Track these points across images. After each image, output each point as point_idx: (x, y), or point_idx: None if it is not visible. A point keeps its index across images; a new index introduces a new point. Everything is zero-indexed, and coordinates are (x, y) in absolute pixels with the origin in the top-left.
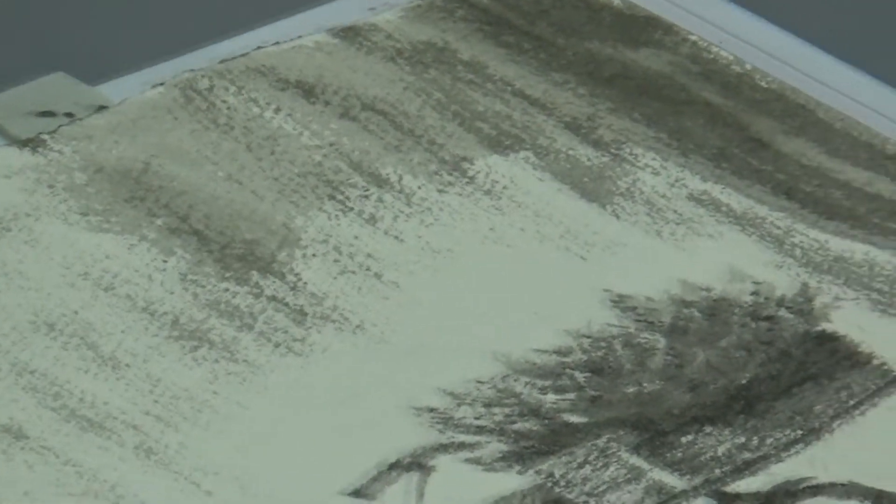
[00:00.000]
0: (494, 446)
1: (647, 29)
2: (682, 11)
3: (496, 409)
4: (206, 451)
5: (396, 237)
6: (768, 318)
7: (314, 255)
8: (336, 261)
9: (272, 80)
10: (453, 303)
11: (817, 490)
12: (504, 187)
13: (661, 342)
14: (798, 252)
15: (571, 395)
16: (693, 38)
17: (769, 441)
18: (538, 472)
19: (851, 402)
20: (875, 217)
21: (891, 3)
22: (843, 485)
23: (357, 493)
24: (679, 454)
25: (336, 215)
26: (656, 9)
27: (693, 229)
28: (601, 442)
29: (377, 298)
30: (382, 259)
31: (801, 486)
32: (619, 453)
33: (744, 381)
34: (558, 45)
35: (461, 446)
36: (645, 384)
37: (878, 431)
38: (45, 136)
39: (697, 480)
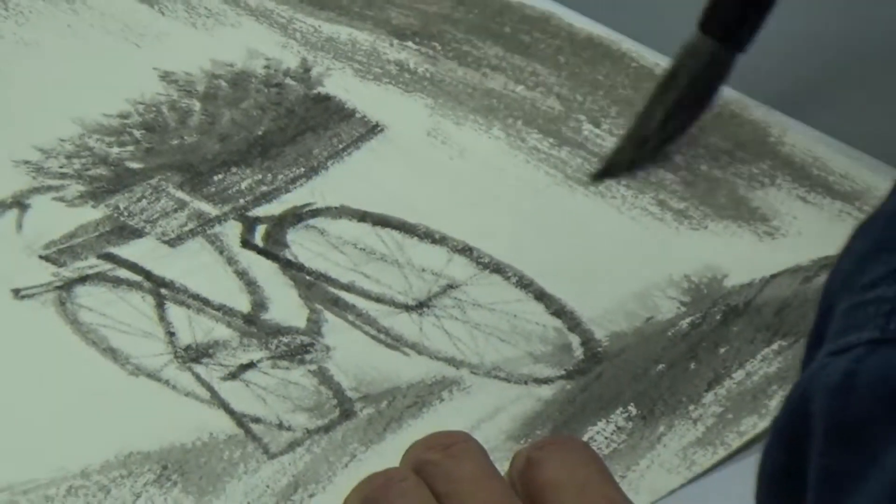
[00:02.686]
0: (74, 188)
1: None
2: None
3: (75, 160)
4: None
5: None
6: (277, 85)
7: None
8: None
9: None
10: (42, 80)
11: (316, 213)
12: None
13: (197, 106)
14: (298, 35)
15: (131, 148)
16: None
17: (280, 177)
18: (108, 206)
19: (341, 146)
20: (355, 6)
21: None
22: (336, 207)
23: None
24: (213, 189)
25: None
26: None
27: (219, 21)
28: (154, 182)
29: None
30: None
31: (305, 210)
32: (168, 190)
33: (260, 133)
34: None
35: (50, 188)
36: (186, 137)
37: (360, 168)
38: None
39: (227, 208)
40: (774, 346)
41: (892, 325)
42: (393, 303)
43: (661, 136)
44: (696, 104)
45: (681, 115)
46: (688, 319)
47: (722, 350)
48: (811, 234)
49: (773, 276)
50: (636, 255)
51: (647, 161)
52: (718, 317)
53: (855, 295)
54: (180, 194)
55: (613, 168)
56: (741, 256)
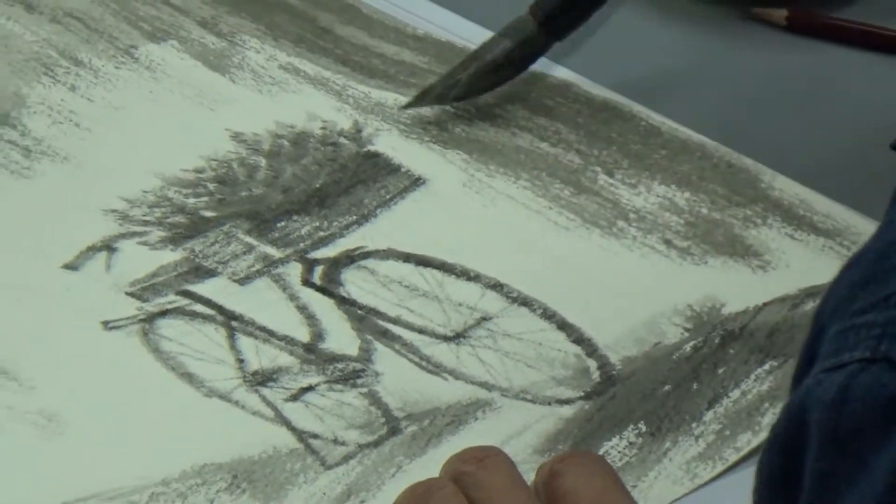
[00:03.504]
0: (156, 233)
1: None
2: None
3: (157, 209)
4: None
5: (89, 99)
6: (333, 144)
7: (36, 112)
8: (49, 116)
9: (4, 1)
10: (128, 139)
11: (367, 255)
12: (159, 65)
13: (263, 162)
14: (351, 100)
15: (205, 199)
16: None
17: (335, 224)
18: (185, 249)
19: (388, 197)
20: (400, 75)
21: None
22: (384, 250)
23: (67, 266)
24: (277, 234)
25: (49, 85)
26: None
27: (282, 88)
28: (225, 228)
29: (76, 140)
30: (80, 113)
31: (357, 252)
32: (237, 235)
33: (318, 186)
34: None
35: (134, 234)
36: (253, 189)
37: (405, 215)
38: None
39: (289, 251)
40: (766, 367)
41: (882, 346)
42: (434, 334)
43: (469, 87)
44: (507, 71)
45: (491, 76)
46: (691, 343)
47: (720, 371)
48: (798, 266)
49: (765, 304)
50: (645, 288)
51: (450, 102)
52: (717, 340)
53: (847, 319)
54: (248, 239)
55: (422, 98)
56: (737, 287)
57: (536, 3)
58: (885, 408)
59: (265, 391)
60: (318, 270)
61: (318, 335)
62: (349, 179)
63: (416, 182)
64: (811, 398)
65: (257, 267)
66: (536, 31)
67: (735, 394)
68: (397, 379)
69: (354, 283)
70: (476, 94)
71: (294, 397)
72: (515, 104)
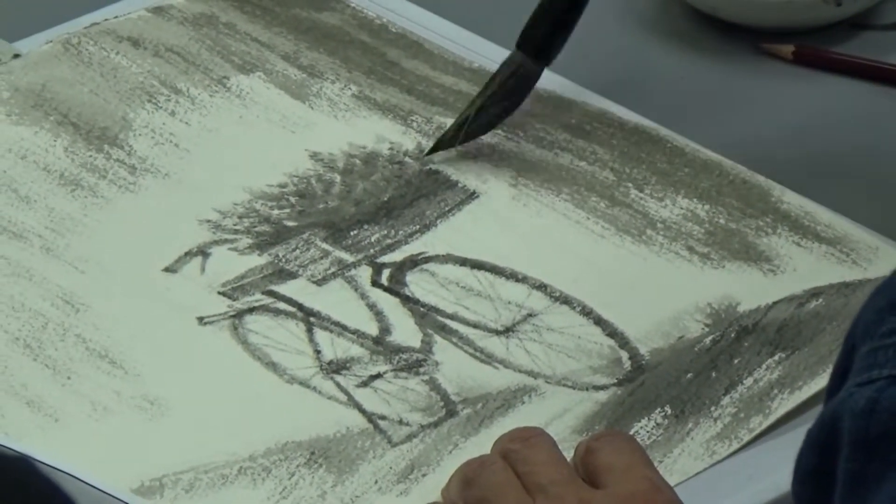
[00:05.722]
0: (244, 240)
1: (328, 1)
2: None
3: (245, 220)
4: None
5: (187, 123)
6: (399, 163)
7: (140, 135)
8: (152, 138)
9: (114, 38)
10: (222, 157)
11: (428, 259)
12: (247, 93)
13: (338, 178)
14: (415, 125)
15: (287, 210)
16: (352, 5)
17: (401, 232)
18: (270, 254)
19: (447, 209)
20: (458, 103)
21: None
22: (443, 255)
23: (168, 269)
24: (350, 242)
25: (152, 111)
26: None
27: (355, 114)
28: (305, 236)
29: (176, 159)
30: (179, 135)
31: (420, 257)
32: (315, 242)
33: (385, 199)
34: (276, 11)
35: (225, 241)
36: (329, 202)
37: (462, 224)
38: None
39: (360, 256)
40: (776, 358)
41: None
42: (486, 328)
43: (477, 125)
44: (508, 104)
45: (493, 111)
46: (710, 337)
47: (736, 361)
48: (804, 270)
49: (775, 303)
50: (670, 288)
51: (464, 142)
52: (733, 335)
53: (875, 340)
54: (325, 245)
55: (439, 146)
56: (750, 288)
57: (522, 38)
58: None
59: (339, 378)
60: (386, 273)
61: (385, 329)
62: (413, 193)
63: (471, 196)
64: (844, 408)
65: (332, 270)
66: (527, 62)
67: (748, 381)
68: (454, 368)
69: (417, 284)
70: (484, 132)
71: (364, 383)
72: (557, 129)
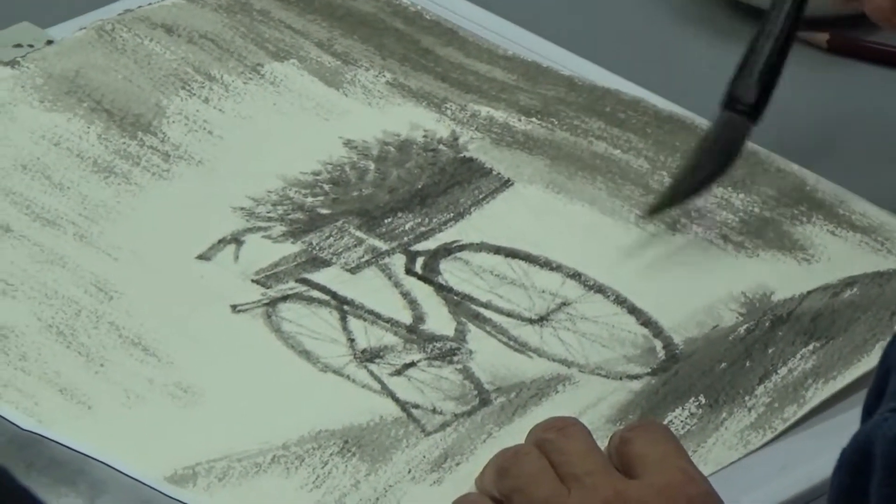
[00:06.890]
0: (278, 228)
1: None
2: None
3: (279, 207)
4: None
5: (220, 110)
6: (433, 150)
7: (174, 122)
8: (186, 125)
9: (148, 24)
10: (255, 145)
11: (462, 247)
12: (281, 81)
13: (372, 166)
14: (449, 112)
15: (321, 198)
16: None
17: (435, 220)
18: (303, 242)
19: (481, 197)
20: (492, 91)
21: None
22: (477, 243)
23: (201, 257)
24: (384, 230)
25: (186, 98)
26: None
27: (389, 101)
28: (338, 224)
29: (209, 146)
30: (212, 122)
31: (454, 245)
32: (349, 230)
33: (419, 187)
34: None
35: (259, 229)
36: (363, 190)
37: (496, 213)
38: (19, 59)
39: (394, 244)
40: (810, 347)
41: None
42: (520, 317)
43: (691, 187)
44: (722, 163)
45: (707, 171)
46: (744, 326)
47: (770, 350)
48: (838, 259)
49: (809, 292)
50: (705, 277)
51: (678, 205)
52: (767, 324)
53: None
54: (359, 233)
55: (656, 210)
56: (785, 277)
57: (731, 97)
58: None
59: (372, 367)
60: (420, 261)
61: (419, 318)
62: (447, 181)
63: (505, 184)
64: (877, 433)
65: (366, 258)
66: (742, 122)
67: (783, 371)
68: (488, 356)
69: (451, 273)
70: (698, 194)
71: (398, 372)
72: (592, 117)
